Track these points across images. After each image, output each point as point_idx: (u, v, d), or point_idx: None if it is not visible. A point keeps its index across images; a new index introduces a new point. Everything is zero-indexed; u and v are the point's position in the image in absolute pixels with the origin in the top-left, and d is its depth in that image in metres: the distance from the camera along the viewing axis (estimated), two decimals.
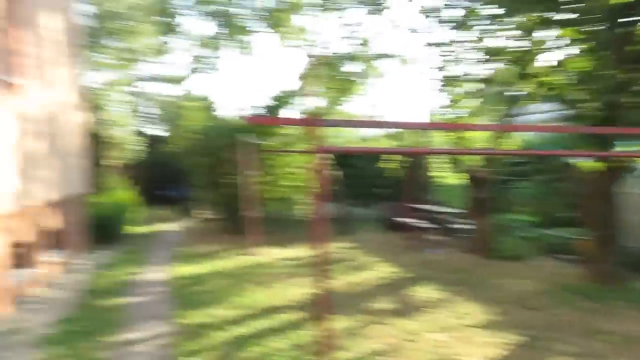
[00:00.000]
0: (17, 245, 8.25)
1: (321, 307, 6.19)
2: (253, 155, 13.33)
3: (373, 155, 19.50)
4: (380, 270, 11.28)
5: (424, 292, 9.42)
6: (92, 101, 22.40)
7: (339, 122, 15.39)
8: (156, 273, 10.87)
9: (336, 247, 14.39)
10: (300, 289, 9.43)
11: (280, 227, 16.84)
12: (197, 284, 9.71)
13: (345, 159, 17.45)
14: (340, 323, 7.35)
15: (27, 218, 8.65)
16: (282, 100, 15.68)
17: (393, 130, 17.83)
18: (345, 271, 11.09)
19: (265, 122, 11.57)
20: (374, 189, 21.45)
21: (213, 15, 15.39)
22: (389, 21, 14.71)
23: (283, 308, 8.21)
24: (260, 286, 9.61)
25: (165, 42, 16.63)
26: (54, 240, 10.74)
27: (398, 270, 11.33)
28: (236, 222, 16.23)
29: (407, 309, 8.27)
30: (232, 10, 15.37)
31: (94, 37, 21.76)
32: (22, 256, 8.85)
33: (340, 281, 10.18)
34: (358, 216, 19.20)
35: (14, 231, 8.00)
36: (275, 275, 10.65)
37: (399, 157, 17.29)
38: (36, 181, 9.04)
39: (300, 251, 13.62)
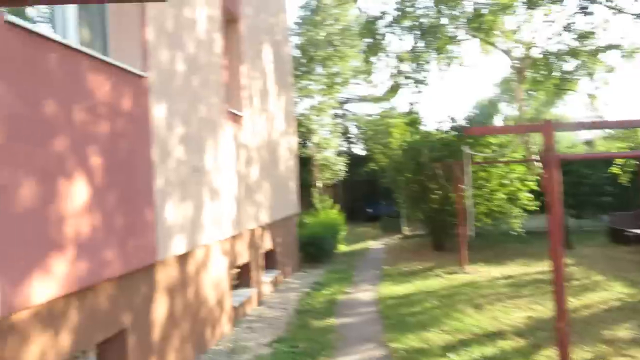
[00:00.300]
0: (236, 267, 8.67)
1: (557, 334, 5.34)
2: (461, 168, 12.61)
3: (594, 161, 17.39)
4: (614, 291, 9.74)
5: None
6: (300, 126, 23.65)
7: (579, 124, 13.69)
8: (364, 292, 10.70)
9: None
10: (522, 312, 8.46)
11: (491, 243, 15.75)
12: (406, 305, 9.27)
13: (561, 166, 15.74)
14: (577, 354, 6.32)
15: (244, 240, 9.06)
16: (491, 108, 14.73)
17: (616, 131, 15.62)
18: (574, 292, 9.77)
19: (486, 131, 10.76)
20: (595, 197, 19.12)
21: (416, 28, 14.97)
22: (608, 8, 12.83)
23: (505, 334, 7.36)
24: (476, 308, 8.84)
25: (370, 62, 16.69)
26: (268, 260, 11.19)
27: (635, 291, 9.68)
28: (442, 238, 15.59)
29: None
30: (435, 21, 14.77)
31: (302, 65, 23.04)
32: (239, 277, 9.29)
33: (571, 303, 8.95)
34: (575, 228, 17.24)
35: (234, 254, 8.40)
36: (491, 296, 9.77)
37: (625, 162, 15.11)
38: (252, 205, 9.48)
39: (515, 269, 12.49)
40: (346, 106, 30.70)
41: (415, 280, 11.69)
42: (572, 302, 9.04)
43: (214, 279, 7.34)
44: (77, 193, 3.98)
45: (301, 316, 8.71)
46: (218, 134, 7.74)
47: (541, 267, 12.58)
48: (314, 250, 14.46)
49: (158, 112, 5.62)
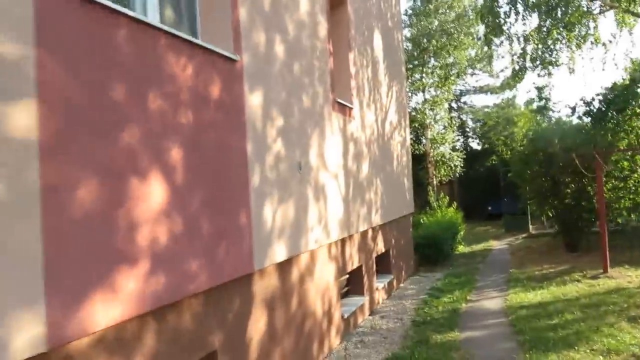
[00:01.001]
0: (345, 273, 7.91)
1: None
2: (601, 157, 10.98)
3: None
4: None
5: None
6: (414, 120, 22.61)
7: None
8: (490, 300, 9.51)
9: None
10: None
11: (636, 243, 13.77)
12: (542, 316, 7.98)
13: None
14: None
15: (354, 244, 8.28)
16: (631, 90, 12.82)
17: None
18: None
19: None
20: None
21: (543, 4, 13.31)
22: None
23: None
24: (632, 322, 7.39)
25: (489, 47, 15.25)
26: (381, 265, 10.35)
27: None
28: (576, 237, 13.88)
29: None
30: None
31: (414, 58, 21.99)
32: (349, 284, 8.52)
33: None
34: None
35: (342, 259, 7.65)
36: None
37: None
38: (363, 205, 8.69)
39: None
40: (463, 99, 29.11)
41: (550, 286, 10.28)
42: None
43: (321, 287, 6.61)
44: (153, 194, 3.37)
45: (419, 328, 7.75)
46: (324, 126, 7.01)
47: None
48: (430, 252, 13.40)
49: (253, 100, 4.96)
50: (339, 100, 7.82)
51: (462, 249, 16.43)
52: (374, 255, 9.50)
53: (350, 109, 8.33)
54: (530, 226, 19.28)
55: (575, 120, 13.77)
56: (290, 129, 5.92)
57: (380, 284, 9.67)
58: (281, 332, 5.30)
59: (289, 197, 5.69)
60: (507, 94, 26.52)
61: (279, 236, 5.31)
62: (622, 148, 12.42)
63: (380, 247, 9.99)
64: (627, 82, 13.01)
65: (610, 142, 12.76)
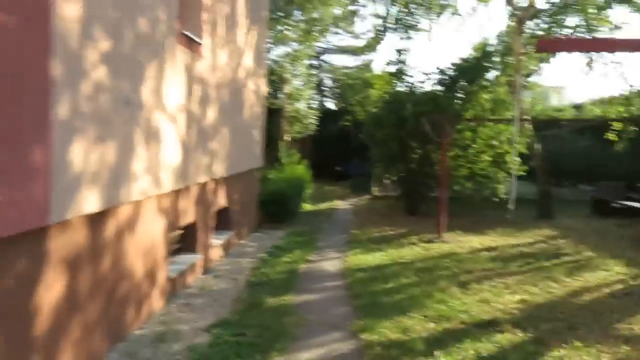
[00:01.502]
0: (178, 228, 7.13)
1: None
2: (450, 124, 11.17)
3: (582, 126, 16.22)
4: (612, 271, 8.62)
5: None
6: (273, 73, 21.84)
7: None
8: (330, 261, 9.32)
9: (542, 236, 11.84)
10: (514, 295, 7.22)
11: (469, 210, 14.54)
12: (379, 280, 7.90)
13: (547, 129, 14.48)
14: (579, 353, 5.09)
15: (191, 196, 7.50)
16: (483, 61, 13.20)
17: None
18: (569, 270, 8.62)
19: (560, 47, 9.12)
20: (577, 166, 18.09)
21: None
22: None
23: (500, 323, 6.06)
24: (462, 287, 7.53)
25: (352, 10, 14.91)
26: (221, 220, 9.69)
27: (636, 271, 8.58)
28: (417, 202, 14.32)
29: None
30: None
31: (279, 9, 21.04)
32: (182, 240, 7.77)
33: (568, 284, 7.78)
34: (560, 198, 16.18)
35: (175, 212, 6.85)
36: (476, 271, 8.50)
37: (623, 127, 13.94)
38: (205, 154, 7.89)
39: (497, 240, 11.31)
40: (323, 57, 28.83)
41: (388, 248, 10.38)
42: (569, 282, 7.89)
43: (144, 244, 5.78)
44: None
45: (253, 290, 7.26)
46: (165, 60, 6.06)
47: (526, 239, 11.49)
48: (276, 209, 12.99)
49: (67, 9, 3.92)
50: (187, 33, 6.88)
51: (308, 207, 16.30)
52: (214, 209, 8.79)
53: (200, 45, 7.41)
54: (374, 188, 19.74)
55: (428, 88, 14.02)
56: (120, 56, 4.93)
57: (218, 240, 9.02)
58: (85, 298, 4.43)
59: (110, 136, 4.74)
60: (367, 56, 26.80)
61: (91, 182, 4.38)
62: (468, 118, 12.85)
63: (222, 201, 9.30)
64: (478, 56, 13.41)
65: (458, 111, 13.14)
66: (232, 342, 5.36)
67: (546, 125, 15.32)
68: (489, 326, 5.95)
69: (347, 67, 27.41)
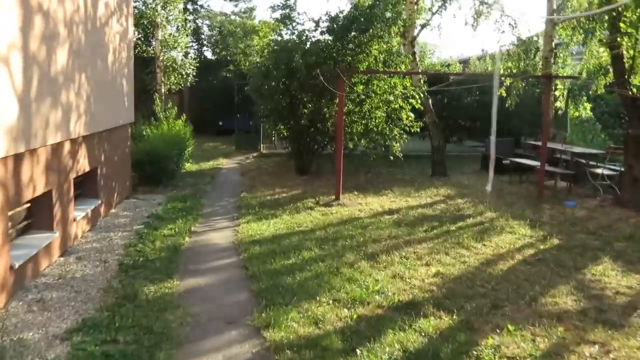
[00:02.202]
0: (21, 202, 5.53)
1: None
2: (342, 77, 10.13)
3: (472, 81, 15.99)
4: (519, 233, 8.23)
5: (605, 272, 6.42)
6: (143, 16, 19.54)
7: None
8: (219, 232, 8.11)
9: (440, 195, 11.40)
10: (428, 267, 6.50)
11: (366, 168, 13.82)
12: (278, 254, 6.82)
13: (436, 85, 13.98)
14: (524, 339, 4.40)
15: (39, 161, 5.87)
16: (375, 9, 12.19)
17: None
18: (475, 234, 8.09)
19: None
20: (468, 121, 18.08)
21: None
22: None
23: (420, 304, 5.26)
24: (371, 260, 6.69)
25: None
26: (84, 187, 8.07)
27: (540, 233, 8.25)
28: (307, 160, 13.36)
29: (603, 309, 5.25)
30: None
31: None
32: (32, 216, 6.16)
33: (479, 251, 7.21)
34: (448, 154, 16.01)
35: (16, 183, 5.25)
36: (382, 240, 7.69)
37: (512, 83, 13.79)
38: (55, 107, 6.22)
39: (397, 201, 10.67)
40: (200, 1, 26.62)
41: (284, 214, 9.34)
42: (480, 248, 7.34)
43: None
44: None
45: (127, 276, 5.90)
46: None
47: (425, 199, 10.95)
48: (153, 170, 11.44)
49: None
50: None
51: (189, 167, 14.78)
52: (73, 175, 7.16)
53: None
54: (262, 145, 18.52)
55: (318, 36, 12.86)
56: None
57: (81, 212, 7.43)
58: None
59: None
60: (248, 3, 25.11)
61: None
62: (362, 70, 11.90)
63: (84, 164, 7.64)
64: (371, 2, 12.42)
65: (350, 62, 12.18)
66: (99, 354, 4.07)
67: (435, 81, 14.82)
68: (410, 309, 5.11)
69: (226, 14, 25.50)
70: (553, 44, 13.84)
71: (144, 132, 13.75)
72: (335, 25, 12.56)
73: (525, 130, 17.83)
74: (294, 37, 12.81)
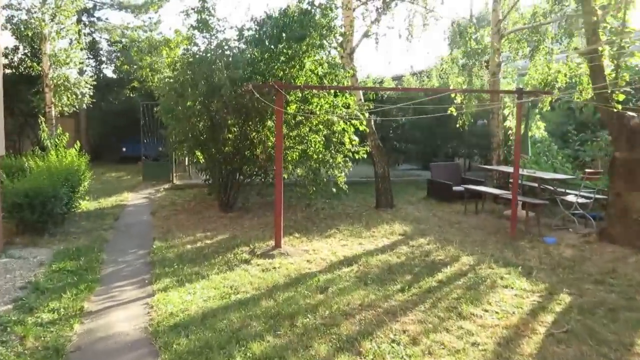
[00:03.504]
0: None
1: None
2: (281, 92, 8.08)
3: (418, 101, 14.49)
4: (518, 289, 6.50)
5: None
6: (27, 27, 16.62)
7: None
8: (124, 310, 5.77)
9: (396, 234, 9.64)
10: (440, 359, 4.58)
11: (307, 202, 11.72)
12: (214, 350, 4.63)
13: (382, 105, 12.30)
14: None
15: None
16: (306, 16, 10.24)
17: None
18: (466, 295, 6.23)
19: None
20: (407, 144, 16.57)
21: None
22: None
23: None
24: (351, 352, 4.63)
25: None
26: None
27: (542, 287, 6.59)
28: (233, 193, 11.20)
29: None
30: None
31: None
32: None
33: (487, 328, 5.31)
34: (396, 179, 14.41)
35: None
36: (357, 311, 5.65)
37: (464, 99, 12.37)
38: None
39: (349, 244, 8.76)
40: (97, 13, 23.68)
41: (212, 271, 7.13)
42: (484, 317, 5.53)
43: None
44: None
45: None
46: None
47: (382, 240, 9.14)
48: (34, 214, 8.82)
49: None
50: None
51: (86, 205, 12.10)
52: None
53: None
54: (175, 175, 16.01)
55: (242, 46, 10.74)
56: None
57: None
58: None
59: None
60: (152, 16, 22.52)
61: None
62: (299, 86, 9.90)
63: None
64: (304, 7, 10.49)
65: (282, 77, 10.22)
66: None
67: (377, 101, 13.14)
68: None
69: (128, 27, 22.74)
70: (500, 57, 12.62)
71: (25, 166, 11.02)
72: (262, 34, 10.56)
73: (469, 151, 16.68)
74: (212, 47, 10.59)
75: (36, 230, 9.04)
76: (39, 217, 8.91)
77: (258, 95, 8.28)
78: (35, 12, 16.70)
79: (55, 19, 16.83)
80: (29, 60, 18.61)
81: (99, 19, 22.93)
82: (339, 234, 9.53)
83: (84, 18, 22.06)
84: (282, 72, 10.37)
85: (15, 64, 20.22)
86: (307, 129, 10.43)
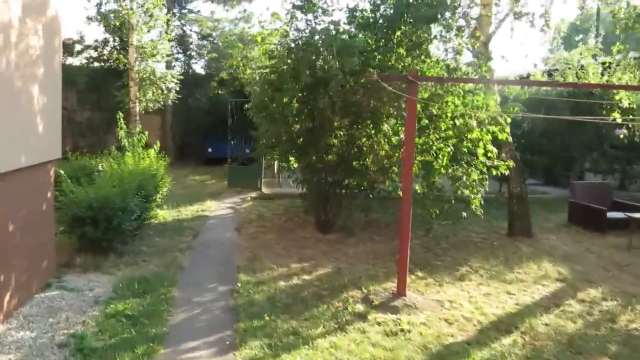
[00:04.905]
0: None
1: None
2: (413, 79, 5.93)
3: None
4: None
5: None
6: (116, 15, 15.49)
7: None
8: None
9: (553, 279, 7.28)
10: None
11: (429, 226, 9.36)
12: None
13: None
14: None
15: None
16: None
17: None
18: None
19: None
20: (532, 156, 13.93)
21: None
22: None
23: None
24: None
25: None
26: None
27: None
28: (334, 211, 9.20)
29: None
30: None
31: None
32: None
33: None
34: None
35: None
36: None
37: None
38: None
39: (499, 292, 6.50)
40: (189, 6, 22.51)
41: (315, 330, 5.14)
42: None
43: None
44: None
45: None
46: None
47: (536, 290, 6.81)
48: (97, 231, 7.20)
49: None
50: None
51: (164, 215, 10.51)
52: None
53: None
54: (263, 181, 14.19)
55: (352, 32, 8.68)
56: None
57: None
58: None
59: None
60: (243, 7, 21.06)
61: None
62: (441, 77, 7.71)
63: None
64: None
65: (401, 71, 8.09)
66: None
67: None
68: None
69: (218, 20, 21.31)
70: None
71: (99, 168, 9.54)
72: (378, 17, 8.48)
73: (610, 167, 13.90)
74: (317, 30, 8.54)
75: (101, 248, 7.43)
76: (103, 233, 7.28)
77: (387, 86, 6.15)
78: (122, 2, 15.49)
79: (143, 7, 15.56)
80: (116, 53, 17.56)
81: (190, 10, 21.71)
82: (474, 274, 7.27)
83: (175, 10, 20.91)
84: (401, 65, 8.25)
85: (105, 56, 19.43)
86: (436, 136, 8.17)
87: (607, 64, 11.08)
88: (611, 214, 9.97)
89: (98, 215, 7.21)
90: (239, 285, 6.43)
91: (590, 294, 6.60)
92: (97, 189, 7.74)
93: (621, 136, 13.56)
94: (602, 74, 11.62)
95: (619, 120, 9.08)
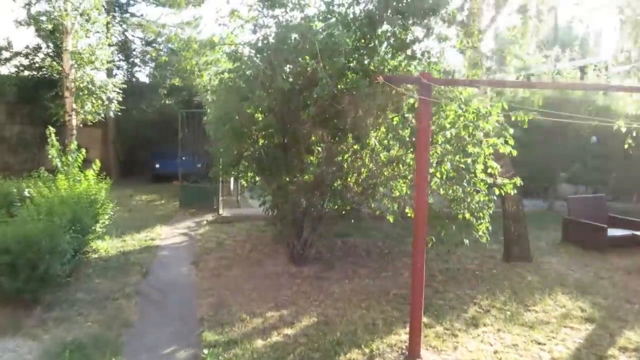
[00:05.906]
0: None
1: None
2: (426, 82, 4.66)
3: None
4: None
5: None
6: (49, 18, 13.78)
7: None
8: None
9: (571, 316, 6.15)
10: None
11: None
12: None
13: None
14: None
15: None
16: None
17: None
18: None
19: None
20: (524, 166, 12.99)
21: None
22: None
23: None
24: None
25: None
26: None
27: None
28: (311, 238, 7.86)
29: None
30: None
31: None
32: None
33: None
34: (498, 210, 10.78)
35: None
36: None
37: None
38: None
39: (527, 344, 5.28)
40: (131, 9, 20.74)
41: None
42: None
43: None
44: None
45: None
46: None
47: (564, 335, 5.65)
48: (17, 281, 5.62)
49: None
50: None
51: (105, 247, 8.87)
52: None
53: None
54: (220, 201, 12.62)
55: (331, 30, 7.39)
56: None
57: None
58: None
59: None
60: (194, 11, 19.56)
61: None
62: (461, 79, 6.50)
63: None
64: None
65: (392, 71, 6.86)
66: None
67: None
68: None
69: (164, 25, 19.67)
70: None
71: (26, 194, 7.90)
72: (355, 12, 7.23)
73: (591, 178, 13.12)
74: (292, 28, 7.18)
75: (21, 302, 5.84)
76: (24, 283, 5.70)
77: (394, 87, 4.88)
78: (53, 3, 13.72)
79: (79, 9, 13.86)
80: (50, 60, 15.74)
81: (132, 14, 19.95)
82: (487, 315, 6.07)
83: (115, 14, 19.14)
84: (386, 68, 6.99)
85: (37, 64, 17.50)
86: (441, 149, 6.91)
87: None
88: (612, 232, 9.05)
89: (17, 261, 5.63)
90: (205, 351, 4.96)
91: (630, 338, 5.51)
92: (18, 225, 6.15)
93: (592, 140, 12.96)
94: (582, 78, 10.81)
95: (624, 129, 8.12)
